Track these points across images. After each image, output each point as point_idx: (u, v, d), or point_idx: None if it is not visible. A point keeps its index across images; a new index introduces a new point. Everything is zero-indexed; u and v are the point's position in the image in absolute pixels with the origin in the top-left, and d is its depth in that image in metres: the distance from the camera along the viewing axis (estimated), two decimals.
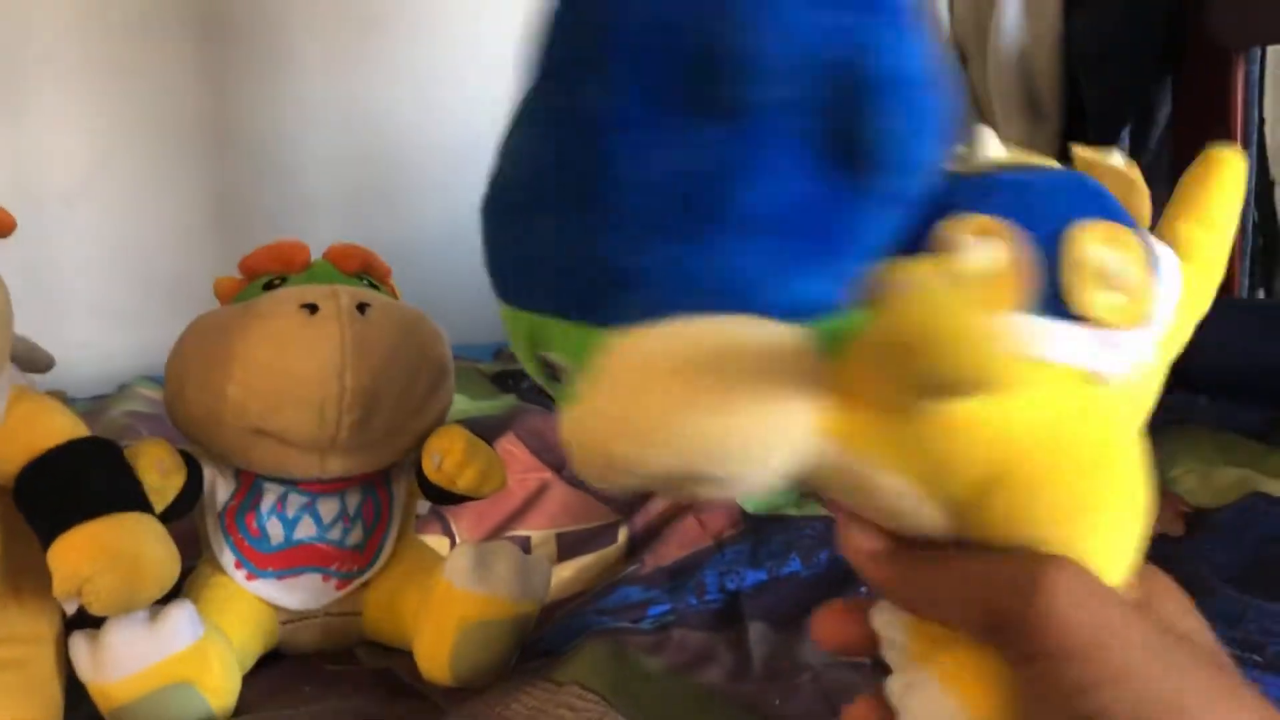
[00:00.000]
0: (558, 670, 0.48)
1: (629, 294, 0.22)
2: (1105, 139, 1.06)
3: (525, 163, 0.25)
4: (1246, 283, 1.11)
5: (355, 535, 0.54)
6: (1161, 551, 0.26)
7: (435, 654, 0.49)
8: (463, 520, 0.70)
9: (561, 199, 0.23)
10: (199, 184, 1.40)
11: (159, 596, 0.43)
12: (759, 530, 0.67)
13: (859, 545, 0.26)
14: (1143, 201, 0.28)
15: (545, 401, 1.00)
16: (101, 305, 1.34)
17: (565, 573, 0.65)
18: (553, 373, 0.26)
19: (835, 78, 0.22)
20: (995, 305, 0.19)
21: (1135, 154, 1.09)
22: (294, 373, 0.48)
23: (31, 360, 0.49)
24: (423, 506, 0.64)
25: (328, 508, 0.53)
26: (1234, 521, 0.64)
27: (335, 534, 0.54)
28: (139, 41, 1.33)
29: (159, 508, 0.47)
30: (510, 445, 0.80)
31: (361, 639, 0.56)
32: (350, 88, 1.47)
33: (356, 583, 0.54)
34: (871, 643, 0.28)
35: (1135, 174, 0.29)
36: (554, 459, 0.81)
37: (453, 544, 0.68)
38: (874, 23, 0.22)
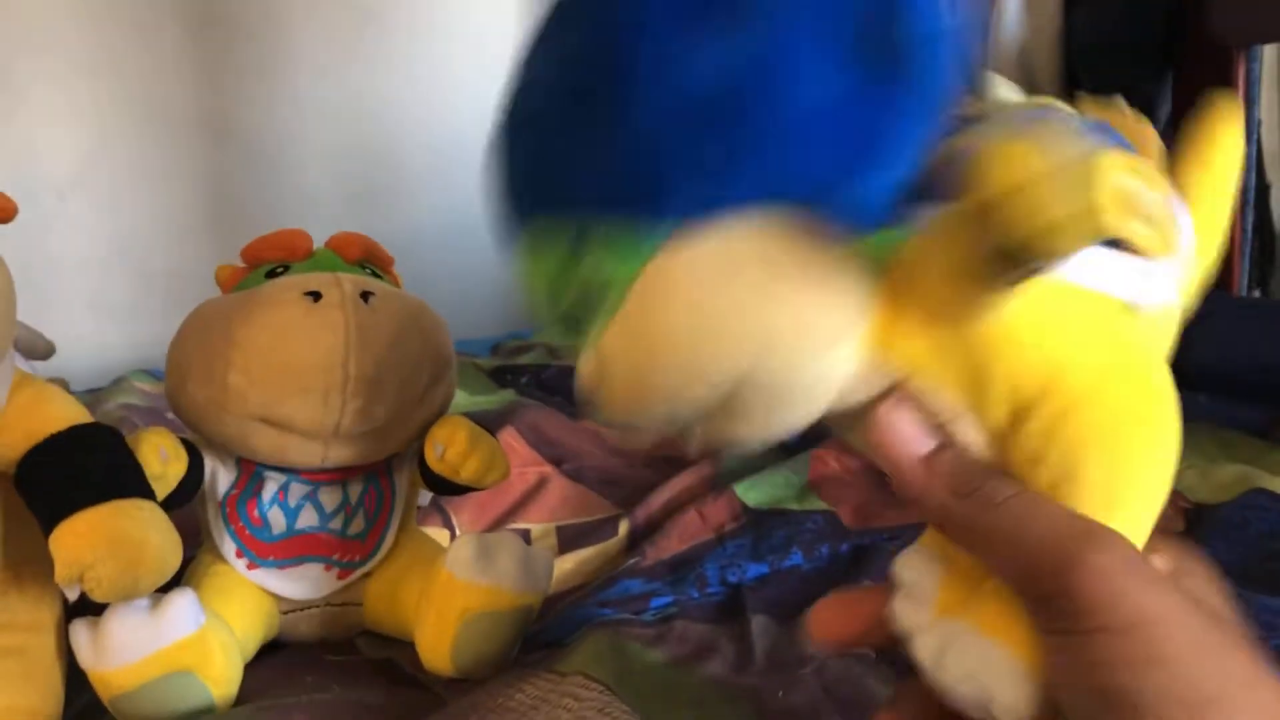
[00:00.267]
0: (560, 661, 0.48)
1: (685, 184, 0.22)
2: None
3: (559, 68, 0.24)
4: (1246, 283, 1.11)
5: (357, 525, 0.54)
6: None
7: (437, 645, 0.48)
8: (463, 513, 0.70)
9: (604, 99, 0.23)
10: (194, 178, 1.39)
11: (160, 584, 0.43)
12: (760, 524, 0.67)
13: (907, 436, 0.24)
14: (1152, 151, 0.29)
15: (543, 397, 1.00)
16: (96, 299, 1.34)
17: (565, 565, 0.65)
18: (574, 321, 0.25)
19: None
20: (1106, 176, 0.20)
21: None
22: (297, 361, 0.48)
23: (32, 347, 0.49)
24: (422, 498, 0.63)
25: (330, 497, 0.53)
26: (1234, 517, 0.64)
27: (337, 523, 0.53)
28: (134, 34, 1.33)
29: (161, 495, 0.47)
30: (509, 440, 0.80)
31: (362, 629, 0.56)
32: (348, 82, 1.47)
33: (358, 573, 0.54)
34: (873, 632, 0.28)
35: (1146, 126, 0.29)
36: (553, 453, 0.80)
37: (453, 536, 0.68)
38: None
